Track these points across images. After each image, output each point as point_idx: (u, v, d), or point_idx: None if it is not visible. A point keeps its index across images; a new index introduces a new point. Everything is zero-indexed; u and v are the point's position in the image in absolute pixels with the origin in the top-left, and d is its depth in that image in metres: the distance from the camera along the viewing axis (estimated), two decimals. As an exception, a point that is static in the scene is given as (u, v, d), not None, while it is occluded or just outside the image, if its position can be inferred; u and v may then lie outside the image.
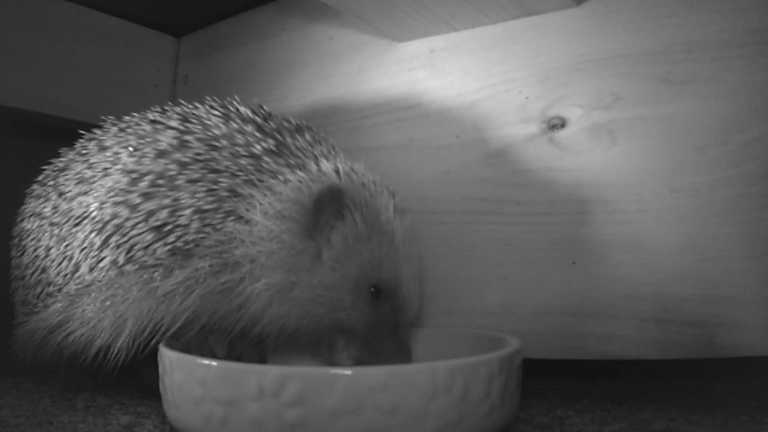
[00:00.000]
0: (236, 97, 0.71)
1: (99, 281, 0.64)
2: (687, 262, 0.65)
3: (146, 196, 0.63)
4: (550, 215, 0.72)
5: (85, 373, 0.79)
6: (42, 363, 0.74)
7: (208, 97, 0.71)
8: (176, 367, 0.54)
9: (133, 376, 0.81)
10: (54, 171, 0.75)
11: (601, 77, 0.71)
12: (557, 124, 0.73)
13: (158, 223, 0.62)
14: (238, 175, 0.63)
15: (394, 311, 0.63)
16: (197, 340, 0.67)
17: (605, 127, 0.70)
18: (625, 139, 0.69)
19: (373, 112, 0.85)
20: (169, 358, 0.55)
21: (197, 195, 0.62)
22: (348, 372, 0.48)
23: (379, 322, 0.63)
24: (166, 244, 0.62)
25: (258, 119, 0.68)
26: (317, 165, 0.65)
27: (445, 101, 0.80)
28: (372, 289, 0.62)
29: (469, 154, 0.78)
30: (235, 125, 0.66)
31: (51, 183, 0.73)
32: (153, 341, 0.63)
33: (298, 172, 0.64)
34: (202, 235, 0.62)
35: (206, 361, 0.52)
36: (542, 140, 0.73)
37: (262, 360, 0.71)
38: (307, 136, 0.68)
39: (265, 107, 0.70)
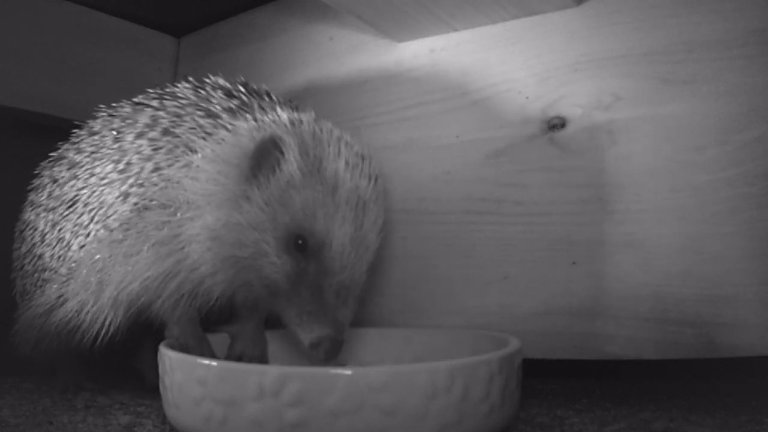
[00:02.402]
0: (219, 74, 0.72)
1: (85, 256, 0.67)
2: (687, 262, 0.65)
3: (122, 172, 0.67)
4: (550, 215, 0.72)
5: (85, 373, 0.80)
6: (41, 352, 0.75)
7: (191, 78, 0.73)
8: (176, 367, 0.54)
9: (133, 376, 0.82)
10: (49, 162, 0.78)
11: (601, 77, 0.71)
12: (557, 124, 0.73)
13: (125, 187, 0.66)
14: (194, 131, 0.65)
15: (319, 271, 0.60)
16: (196, 337, 0.67)
17: (605, 127, 0.70)
18: (625, 139, 0.69)
19: (372, 113, 0.85)
20: (169, 358, 0.55)
21: (157, 157, 0.65)
22: (348, 372, 0.48)
23: (302, 280, 0.60)
24: (129, 205, 0.65)
25: (229, 86, 0.70)
26: (269, 117, 0.65)
27: (445, 101, 0.80)
28: (300, 242, 0.60)
29: (469, 154, 0.78)
30: (203, 93, 0.69)
31: (47, 173, 0.77)
32: (135, 311, 0.66)
33: (251, 122, 0.64)
34: (157, 188, 0.64)
35: (206, 361, 0.52)
36: (542, 140, 0.73)
37: (262, 360, 0.71)
38: (277, 100, 0.69)
39: (252, 83, 0.71)
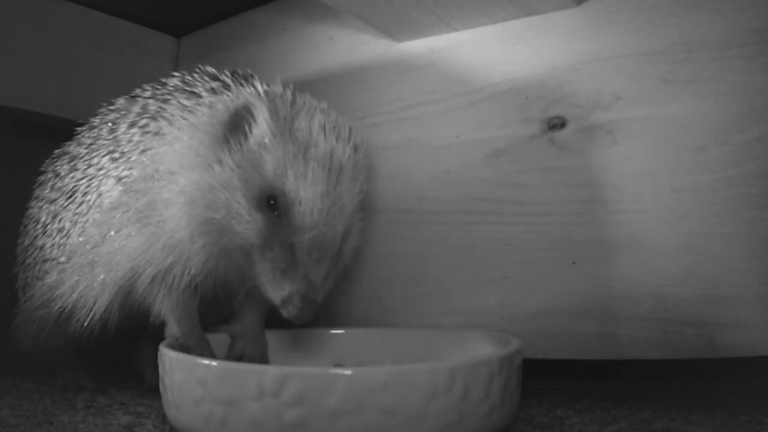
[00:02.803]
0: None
1: (82, 241, 0.69)
2: (687, 262, 0.65)
3: (115, 161, 0.69)
4: (550, 215, 0.72)
5: (84, 373, 0.80)
6: (41, 347, 0.77)
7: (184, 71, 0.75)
8: (176, 367, 0.54)
9: (132, 375, 0.82)
10: (53, 158, 0.80)
11: (601, 77, 0.71)
12: (557, 124, 0.73)
13: (117, 173, 0.68)
14: (178, 109, 0.67)
15: (290, 228, 0.60)
16: (195, 337, 0.67)
17: (605, 127, 0.70)
18: (625, 139, 0.69)
19: (372, 113, 0.85)
20: (169, 357, 0.55)
21: (145, 140, 0.68)
22: (348, 372, 0.48)
23: (274, 237, 0.60)
24: (119, 188, 0.67)
25: (215, 71, 0.71)
26: (247, 90, 0.66)
27: (445, 101, 0.80)
28: (272, 201, 0.60)
29: (469, 154, 0.78)
30: (190, 79, 0.71)
31: (50, 168, 0.79)
32: (127, 289, 0.67)
33: (226, 96, 0.66)
34: (141, 166, 0.66)
35: (206, 361, 0.52)
36: (542, 140, 0.73)
37: (263, 359, 0.71)
38: (259, 81, 0.70)
39: (238, 70, 0.72)
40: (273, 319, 0.75)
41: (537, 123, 0.74)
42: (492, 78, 0.77)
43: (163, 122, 0.67)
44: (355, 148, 0.65)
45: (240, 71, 0.71)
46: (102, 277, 0.67)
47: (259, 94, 0.64)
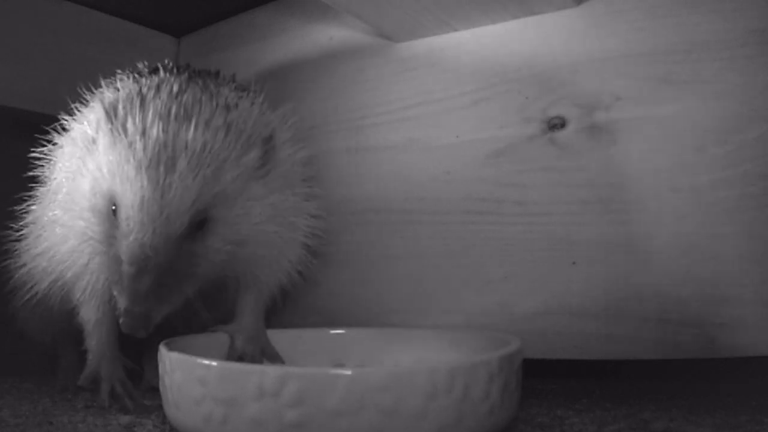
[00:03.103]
0: None
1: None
2: (687, 262, 0.65)
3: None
4: (550, 215, 0.72)
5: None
6: (36, 330, 0.82)
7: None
8: (176, 367, 0.54)
9: (133, 375, 0.82)
10: None
11: (601, 77, 0.70)
12: (557, 124, 0.73)
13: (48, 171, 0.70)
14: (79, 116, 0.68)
15: (119, 236, 0.55)
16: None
17: (605, 127, 0.70)
18: (625, 139, 0.69)
19: (372, 113, 0.85)
20: (169, 358, 0.55)
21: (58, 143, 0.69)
22: (348, 372, 0.48)
23: (112, 249, 0.56)
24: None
25: (137, 71, 0.71)
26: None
27: (445, 101, 0.80)
28: (113, 208, 0.57)
29: (469, 154, 0.78)
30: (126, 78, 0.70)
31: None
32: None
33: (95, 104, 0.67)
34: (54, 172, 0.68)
35: (206, 361, 0.52)
36: (542, 140, 0.73)
37: (267, 356, 0.71)
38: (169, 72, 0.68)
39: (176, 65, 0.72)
40: (273, 319, 0.75)
41: (537, 123, 0.74)
42: (492, 78, 0.77)
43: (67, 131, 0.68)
44: (225, 120, 0.59)
45: (159, 66, 0.71)
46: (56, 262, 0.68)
47: (102, 99, 0.62)
